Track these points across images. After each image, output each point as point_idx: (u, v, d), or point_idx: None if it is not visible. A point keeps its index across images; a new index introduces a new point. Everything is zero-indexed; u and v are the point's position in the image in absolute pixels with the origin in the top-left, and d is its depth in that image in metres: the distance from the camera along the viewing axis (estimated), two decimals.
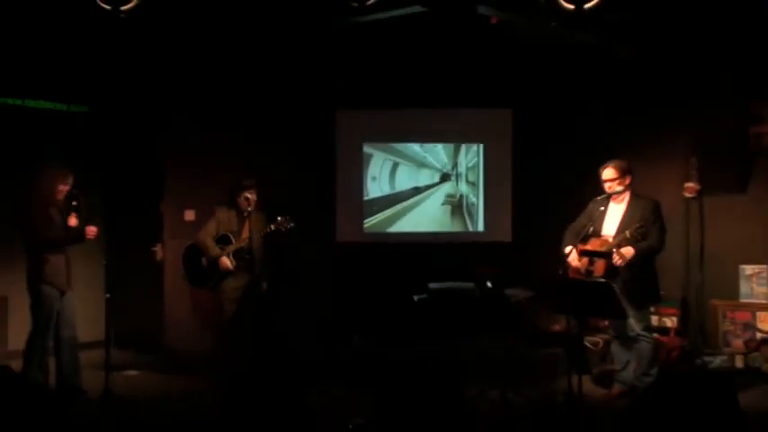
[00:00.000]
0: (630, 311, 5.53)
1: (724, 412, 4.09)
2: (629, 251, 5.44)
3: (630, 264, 5.47)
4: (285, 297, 7.27)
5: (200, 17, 6.30)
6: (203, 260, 6.53)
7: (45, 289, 5.64)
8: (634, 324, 5.60)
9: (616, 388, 5.80)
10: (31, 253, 5.67)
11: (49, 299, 5.65)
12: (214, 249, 6.45)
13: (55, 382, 5.72)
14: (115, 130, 7.64)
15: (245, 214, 6.48)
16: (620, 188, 5.60)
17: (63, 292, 5.73)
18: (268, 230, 6.38)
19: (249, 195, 6.41)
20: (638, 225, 5.39)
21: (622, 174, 5.61)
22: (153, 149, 7.48)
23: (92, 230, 5.65)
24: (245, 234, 6.42)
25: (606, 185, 5.64)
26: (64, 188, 5.68)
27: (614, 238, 5.55)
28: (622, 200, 5.66)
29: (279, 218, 6.40)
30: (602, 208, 5.63)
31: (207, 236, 6.50)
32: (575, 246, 5.62)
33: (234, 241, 6.45)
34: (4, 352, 7.02)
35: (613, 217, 5.66)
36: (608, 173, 5.64)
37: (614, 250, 5.45)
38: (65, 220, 5.69)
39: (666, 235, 5.65)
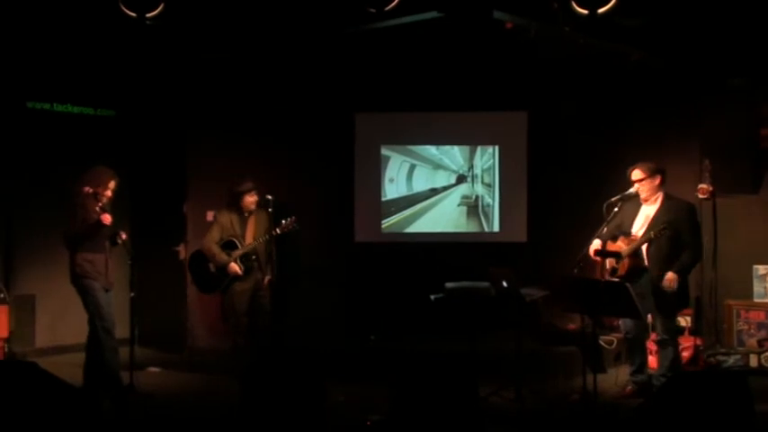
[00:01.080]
0: (658, 317, 5.60)
1: (737, 411, 4.12)
2: (671, 277, 5.46)
3: (661, 268, 5.50)
4: (294, 295, 7.37)
5: (224, 23, 6.40)
6: (211, 266, 6.57)
7: (89, 282, 5.75)
8: (659, 329, 5.64)
9: (629, 387, 5.82)
10: (72, 251, 5.77)
11: (93, 290, 5.75)
12: (221, 256, 6.48)
13: (83, 378, 5.82)
14: (140, 133, 7.77)
15: (247, 215, 6.58)
16: (645, 188, 5.61)
17: (105, 290, 5.84)
18: (274, 233, 6.41)
19: (250, 198, 6.50)
20: (662, 226, 5.39)
21: (650, 174, 5.61)
22: (177, 152, 7.58)
23: (107, 218, 5.69)
24: (250, 236, 6.52)
25: (635, 186, 5.66)
26: (108, 191, 5.79)
27: (641, 237, 5.57)
28: (655, 201, 5.66)
29: (283, 221, 6.46)
30: (617, 209, 5.61)
31: (212, 243, 6.52)
32: (603, 240, 5.65)
33: (240, 246, 6.51)
34: (32, 350, 7.19)
35: (644, 217, 5.68)
36: (636, 174, 5.66)
37: (668, 274, 5.49)
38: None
39: (702, 239, 5.71)
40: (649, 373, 5.87)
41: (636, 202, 5.73)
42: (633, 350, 5.87)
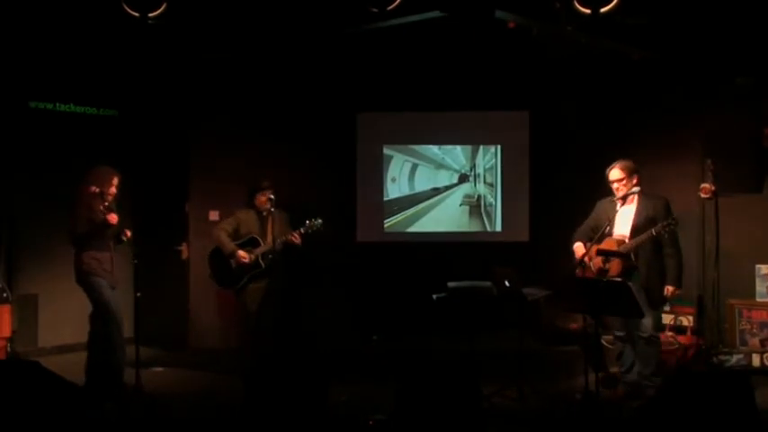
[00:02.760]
0: (649, 313, 5.53)
1: (740, 411, 4.12)
2: (672, 291, 5.52)
3: (649, 264, 5.50)
4: (305, 295, 7.39)
5: (226, 23, 6.41)
6: (232, 262, 6.59)
7: (96, 279, 5.74)
8: (648, 325, 5.60)
9: (621, 389, 5.79)
10: (78, 250, 5.77)
11: (101, 287, 5.74)
12: (229, 244, 6.52)
13: (85, 377, 5.79)
14: (143, 133, 7.77)
15: (265, 214, 6.60)
16: (625, 189, 5.55)
17: (111, 288, 5.82)
18: (299, 233, 6.46)
19: (263, 197, 6.51)
20: (666, 222, 5.33)
21: (629, 174, 5.56)
22: (179, 151, 7.60)
23: (113, 217, 5.70)
24: (270, 236, 6.54)
25: (613, 186, 5.61)
26: (112, 188, 5.78)
27: (631, 238, 5.53)
28: (632, 200, 5.62)
29: (308, 221, 6.50)
30: (607, 207, 5.62)
31: (222, 231, 6.57)
32: (583, 242, 5.63)
33: (262, 243, 6.55)
34: (34, 349, 7.19)
35: (625, 217, 5.64)
36: (614, 173, 5.61)
37: (668, 289, 5.53)
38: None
39: (678, 232, 5.62)
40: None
41: (610, 202, 5.68)
42: (624, 350, 5.84)
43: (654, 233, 5.40)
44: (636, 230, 5.55)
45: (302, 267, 7.21)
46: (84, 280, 5.80)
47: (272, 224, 6.56)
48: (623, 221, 5.66)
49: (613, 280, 5.34)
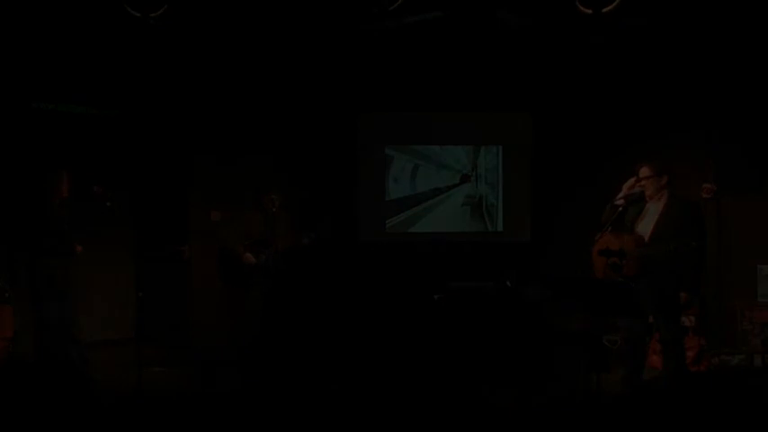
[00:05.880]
0: (663, 317, 5.53)
1: (741, 411, 4.12)
2: (684, 297, 5.47)
3: (667, 268, 5.45)
4: (308, 295, 7.39)
5: (227, 22, 6.42)
6: (237, 263, 6.59)
7: (43, 291, 5.78)
8: (665, 329, 5.56)
9: (624, 390, 5.75)
10: (29, 257, 5.83)
11: (46, 300, 5.77)
12: (235, 245, 6.54)
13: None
14: (145, 132, 7.79)
15: (270, 215, 6.62)
16: (651, 188, 5.53)
17: (64, 295, 5.83)
18: (302, 242, 6.52)
19: (268, 198, 6.52)
20: (686, 240, 5.22)
21: (657, 173, 5.52)
22: (181, 151, 7.62)
23: (78, 248, 5.82)
24: (274, 236, 6.55)
25: (640, 183, 5.58)
26: (63, 188, 5.84)
27: (650, 239, 5.46)
28: (660, 198, 5.57)
29: (305, 239, 6.59)
30: (621, 209, 5.56)
31: (228, 232, 6.62)
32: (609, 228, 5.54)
33: (267, 245, 6.54)
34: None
35: (650, 216, 5.59)
36: (642, 171, 5.57)
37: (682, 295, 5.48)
38: (71, 220, 5.86)
39: (706, 238, 5.55)
40: (645, 376, 5.85)
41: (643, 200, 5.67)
42: (632, 352, 5.81)
43: (671, 248, 5.26)
44: (655, 233, 5.47)
45: (305, 268, 7.21)
46: (31, 289, 5.83)
47: (276, 225, 6.59)
48: (647, 220, 5.59)
49: (615, 280, 5.34)
